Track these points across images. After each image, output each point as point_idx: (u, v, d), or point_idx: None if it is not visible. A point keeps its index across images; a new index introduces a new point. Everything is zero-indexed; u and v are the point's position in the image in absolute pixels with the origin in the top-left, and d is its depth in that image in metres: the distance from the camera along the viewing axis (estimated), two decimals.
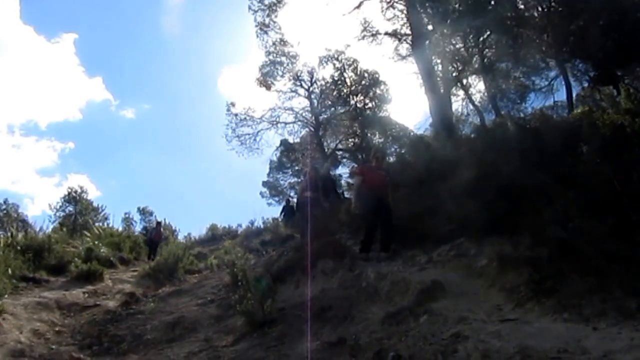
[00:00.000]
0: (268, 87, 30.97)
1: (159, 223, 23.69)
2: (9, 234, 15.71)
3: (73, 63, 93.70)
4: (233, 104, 31.88)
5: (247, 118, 31.60)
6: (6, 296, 8.22)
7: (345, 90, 31.13)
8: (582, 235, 4.72)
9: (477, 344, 3.86)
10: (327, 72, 31.63)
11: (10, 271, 9.80)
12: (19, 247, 12.31)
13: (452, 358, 3.84)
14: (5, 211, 43.35)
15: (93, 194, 66.98)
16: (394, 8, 21.81)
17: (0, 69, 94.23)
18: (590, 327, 3.89)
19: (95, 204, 42.38)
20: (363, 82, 31.16)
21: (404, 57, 23.88)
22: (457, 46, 23.15)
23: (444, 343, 4.14)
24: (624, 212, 4.98)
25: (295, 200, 16.91)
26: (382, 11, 22.30)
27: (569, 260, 4.79)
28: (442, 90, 19.05)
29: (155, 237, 21.70)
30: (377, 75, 31.23)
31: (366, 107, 31.55)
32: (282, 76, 31.17)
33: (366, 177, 9.25)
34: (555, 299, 4.59)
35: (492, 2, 19.66)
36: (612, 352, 3.20)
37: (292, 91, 31.97)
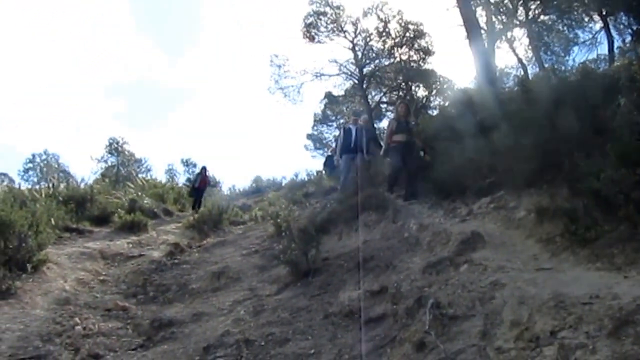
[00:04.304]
0: (312, 39, 30.58)
1: (204, 168, 20.71)
2: (50, 184, 15.98)
3: (126, 21, 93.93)
4: (277, 55, 31.68)
5: (291, 70, 31.46)
6: (50, 246, 8.35)
7: (389, 42, 30.62)
8: (614, 186, 4.80)
9: (514, 291, 3.98)
10: (371, 24, 31.17)
11: (53, 221, 9.91)
12: (60, 198, 12.53)
13: (490, 304, 3.96)
14: (45, 161, 43.77)
15: (143, 153, 67.77)
16: None
17: (49, 26, 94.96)
18: (621, 275, 3.97)
19: (137, 156, 42.83)
20: (407, 34, 30.42)
21: (448, 9, 23.54)
22: None
23: (482, 290, 4.27)
24: None
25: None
26: None
27: (602, 210, 4.89)
28: (486, 43, 18.79)
29: (201, 184, 19.69)
30: (421, 27, 30.43)
31: (410, 59, 30.88)
32: (325, 27, 30.70)
33: None
34: (589, 249, 4.68)
35: None
36: None
37: (335, 43, 31.32)
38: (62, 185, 15.32)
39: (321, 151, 37.93)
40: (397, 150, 10.28)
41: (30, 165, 43.61)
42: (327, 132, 38.99)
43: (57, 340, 5.52)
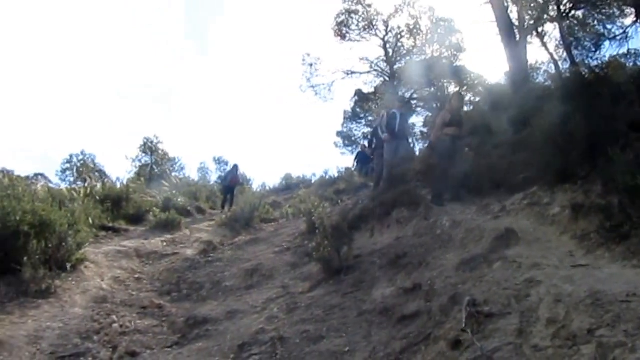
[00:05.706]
0: (343, 37, 30.87)
1: (235, 166, 20.39)
2: (87, 184, 16.22)
3: (159, 21, 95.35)
4: (309, 54, 32.13)
5: (322, 68, 31.81)
6: (87, 245, 8.45)
7: (420, 39, 30.69)
8: None
9: (550, 289, 3.96)
10: (402, 21, 31.34)
11: (90, 220, 10.06)
12: (97, 197, 12.75)
13: (526, 302, 3.94)
14: (82, 162, 44.24)
15: (176, 151, 67.89)
16: None
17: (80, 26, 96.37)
18: None
19: (171, 155, 43.24)
20: (439, 31, 30.51)
21: (480, 5, 23.40)
22: None
23: (517, 288, 4.24)
24: None
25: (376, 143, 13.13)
26: None
27: (638, 207, 4.85)
28: (517, 39, 18.65)
29: (232, 182, 19.48)
30: (453, 24, 30.57)
31: (442, 56, 30.91)
32: (357, 25, 30.94)
33: None
34: (625, 245, 4.65)
35: None
36: None
37: (366, 40, 31.68)
38: (98, 185, 15.50)
39: (350, 148, 37.98)
40: (448, 143, 9.29)
41: (68, 165, 44.13)
42: (356, 130, 39.13)
43: (96, 337, 5.66)
